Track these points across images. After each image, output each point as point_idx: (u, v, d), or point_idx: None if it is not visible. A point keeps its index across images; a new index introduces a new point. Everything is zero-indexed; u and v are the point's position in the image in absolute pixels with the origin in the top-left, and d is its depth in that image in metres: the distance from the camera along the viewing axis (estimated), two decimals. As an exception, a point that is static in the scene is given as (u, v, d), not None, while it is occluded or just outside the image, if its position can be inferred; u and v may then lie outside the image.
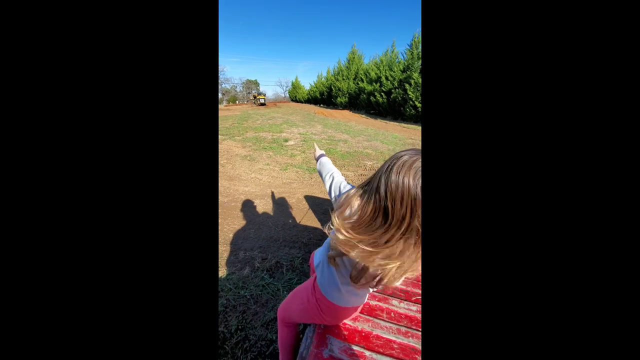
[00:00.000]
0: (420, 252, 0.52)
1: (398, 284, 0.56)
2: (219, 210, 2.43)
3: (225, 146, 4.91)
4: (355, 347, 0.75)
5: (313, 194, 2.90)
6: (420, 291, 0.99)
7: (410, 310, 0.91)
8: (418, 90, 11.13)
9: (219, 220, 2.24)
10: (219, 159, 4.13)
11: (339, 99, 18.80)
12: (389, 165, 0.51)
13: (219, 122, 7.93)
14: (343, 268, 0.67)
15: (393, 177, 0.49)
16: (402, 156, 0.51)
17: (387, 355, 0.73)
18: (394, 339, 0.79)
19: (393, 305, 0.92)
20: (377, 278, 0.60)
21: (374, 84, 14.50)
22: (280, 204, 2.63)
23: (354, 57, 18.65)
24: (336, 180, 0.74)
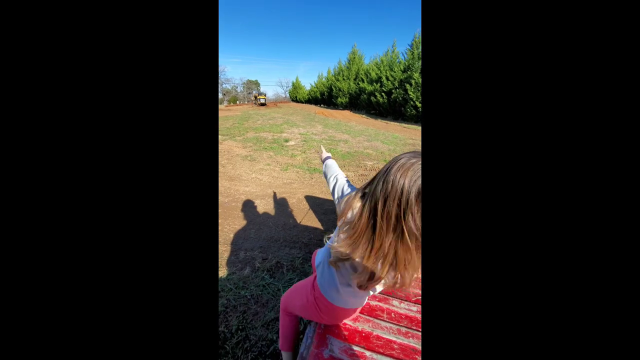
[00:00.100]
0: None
1: (411, 289, 0.56)
2: (220, 211, 2.43)
3: (226, 146, 4.91)
4: (355, 348, 0.75)
5: (313, 194, 2.90)
6: (420, 291, 0.99)
7: (411, 310, 0.90)
8: (419, 91, 11.12)
9: (220, 221, 2.25)
10: (220, 159, 4.13)
11: (339, 99, 18.81)
12: (387, 168, 0.52)
13: (220, 122, 7.94)
14: (344, 269, 0.67)
15: (390, 177, 0.49)
16: (400, 158, 0.51)
17: (387, 355, 0.73)
18: (394, 339, 0.79)
19: (393, 306, 0.92)
20: (380, 281, 0.59)
21: (375, 84, 14.49)
22: (281, 204, 2.64)
23: (354, 58, 18.65)
24: (339, 182, 0.74)
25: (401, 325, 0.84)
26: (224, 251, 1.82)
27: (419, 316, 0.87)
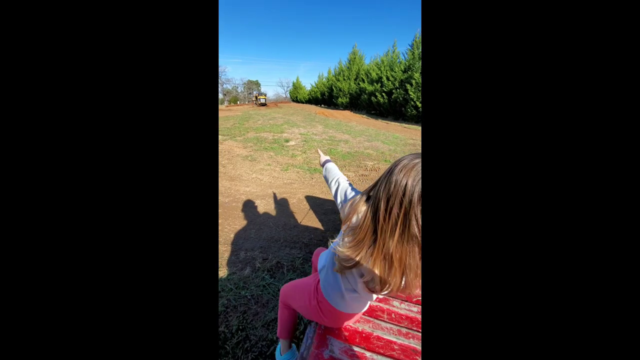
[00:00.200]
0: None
1: (417, 291, 0.55)
2: (220, 211, 2.43)
3: (227, 146, 4.92)
4: (355, 348, 0.75)
5: (314, 195, 2.90)
6: (420, 292, 0.99)
7: (411, 311, 0.90)
8: (419, 91, 11.11)
9: (220, 221, 2.25)
10: (220, 159, 4.13)
11: (339, 99, 18.80)
12: (390, 169, 0.51)
13: (220, 122, 7.95)
14: (349, 275, 0.66)
15: (392, 178, 0.49)
16: (403, 160, 0.51)
17: (387, 356, 0.73)
18: (394, 340, 0.78)
19: (394, 306, 0.92)
20: (388, 286, 0.58)
21: (375, 84, 14.49)
22: (281, 204, 2.64)
23: (354, 58, 18.65)
24: (342, 186, 0.73)
25: (402, 326, 0.84)
26: (224, 251, 1.83)
27: (419, 317, 0.87)
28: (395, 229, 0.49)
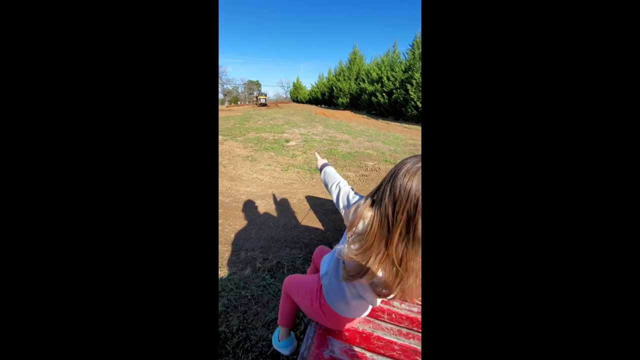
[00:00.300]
0: None
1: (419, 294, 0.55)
2: (221, 211, 2.43)
3: (227, 147, 4.92)
4: (356, 348, 0.75)
5: (314, 195, 2.90)
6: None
7: (412, 311, 0.90)
8: (420, 91, 11.10)
9: (221, 221, 2.25)
10: (221, 159, 4.14)
11: (340, 99, 18.80)
12: (393, 173, 0.51)
13: (221, 122, 7.95)
14: (356, 282, 0.65)
15: (397, 182, 0.49)
16: (406, 163, 0.50)
17: (388, 356, 0.73)
18: (395, 340, 0.78)
19: (394, 307, 0.92)
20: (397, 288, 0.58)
21: (376, 84, 14.48)
22: (282, 205, 2.64)
23: (355, 58, 18.64)
24: (343, 190, 0.72)
25: (402, 327, 0.84)
26: (224, 251, 1.83)
27: (419, 317, 0.87)
28: (403, 234, 0.49)
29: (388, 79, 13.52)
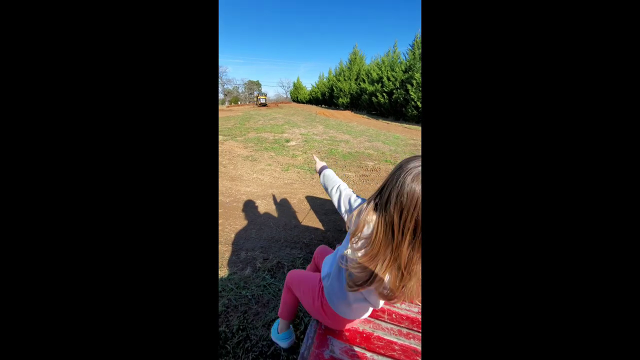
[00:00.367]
0: None
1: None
2: (221, 211, 2.44)
3: (227, 147, 4.92)
4: (356, 348, 0.75)
5: (314, 195, 2.90)
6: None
7: (412, 311, 0.90)
8: (420, 91, 11.10)
9: (221, 221, 2.25)
10: (221, 159, 4.14)
11: (340, 99, 18.80)
12: (398, 177, 0.51)
13: (221, 122, 7.95)
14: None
15: (404, 189, 0.49)
16: (411, 167, 0.50)
17: (388, 356, 0.73)
18: (395, 340, 0.78)
19: (394, 307, 0.92)
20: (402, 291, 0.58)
21: (376, 84, 14.48)
22: (282, 205, 2.64)
23: (355, 58, 18.64)
24: (344, 193, 0.71)
25: (402, 327, 0.84)
26: (225, 251, 1.83)
27: (419, 317, 0.87)
28: (410, 240, 0.49)
29: (388, 79, 13.53)
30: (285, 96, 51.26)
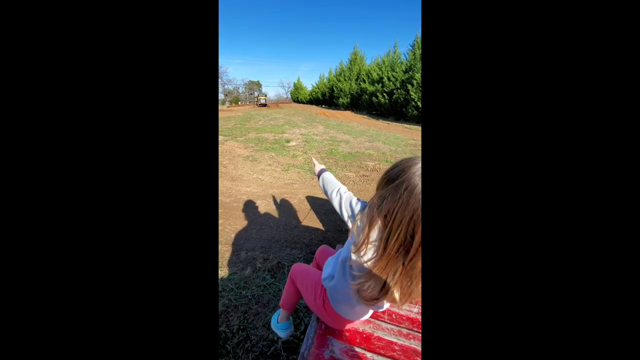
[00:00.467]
0: None
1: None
2: (221, 211, 2.44)
3: (228, 147, 4.93)
4: (356, 349, 0.75)
5: (315, 195, 2.90)
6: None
7: (412, 312, 0.90)
8: (420, 91, 11.10)
9: (221, 221, 2.25)
10: (221, 159, 4.14)
11: (340, 99, 18.81)
12: (403, 180, 0.50)
13: (222, 123, 7.96)
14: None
15: (411, 200, 0.48)
16: (417, 171, 0.49)
17: (388, 357, 0.73)
18: (395, 340, 0.78)
19: (394, 307, 0.92)
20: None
21: (376, 84, 14.48)
22: (282, 205, 2.64)
23: (355, 58, 18.65)
24: (345, 197, 0.69)
25: (402, 327, 0.84)
26: (225, 251, 1.83)
27: (419, 318, 0.87)
28: (419, 248, 0.49)
29: (389, 79, 13.53)
30: (285, 96, 51.29)
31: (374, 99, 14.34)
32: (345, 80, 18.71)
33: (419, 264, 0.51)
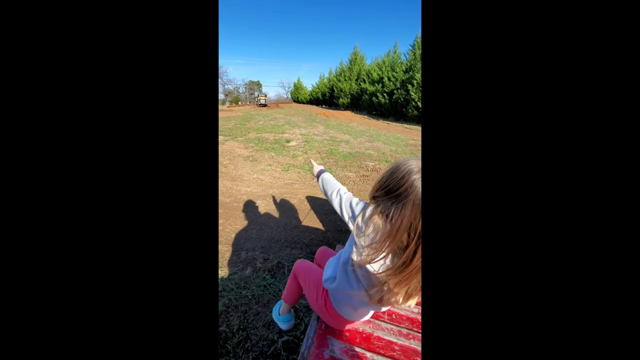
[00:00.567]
0: None
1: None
2: (221, 211, 2.44)
3: (228, 147, 4.93)
4: (356, 348, 0.75)
5: (315, 195, 2.90)
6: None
7: (412, 312, 0.90)
8: (421, 91, 11.10)
9: (221, 221, 2.25)
10: (222, 159, 4.14)
11: (341, 99, 18.81)
12: (406, 181, 0.50)
13: (222, 123, 7.96)
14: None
15: (418, 199, 0.48)
16: (413, 167, 0.50)
17: (388, 356, 0.73)
18: (395, 340, 0.78)
19: (394, 307, 0.92)
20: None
21: (376, 84, 14.48)
22: (282, 205, 2.64)
23: (356, 58, 18.65)
24: (345, 198, 0.69)
25: (402, 327, 0.84)
26: (225, 251, 1.83)
27: (419, 317, 0.87)
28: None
29: (389, 79, 13.52)
30: (285, 96, 51.28)
31: (374, 99, 14.34)
32: (345, 80, 18.71)
33: (418, 262, 0.51)
